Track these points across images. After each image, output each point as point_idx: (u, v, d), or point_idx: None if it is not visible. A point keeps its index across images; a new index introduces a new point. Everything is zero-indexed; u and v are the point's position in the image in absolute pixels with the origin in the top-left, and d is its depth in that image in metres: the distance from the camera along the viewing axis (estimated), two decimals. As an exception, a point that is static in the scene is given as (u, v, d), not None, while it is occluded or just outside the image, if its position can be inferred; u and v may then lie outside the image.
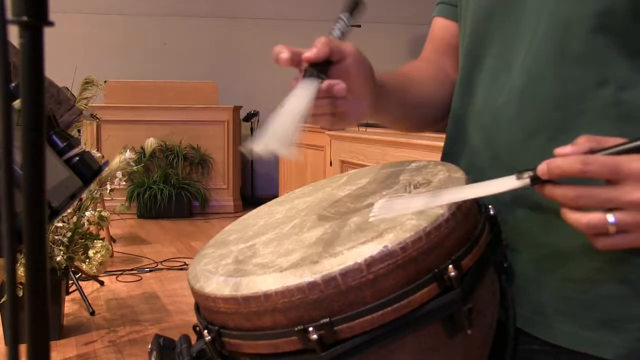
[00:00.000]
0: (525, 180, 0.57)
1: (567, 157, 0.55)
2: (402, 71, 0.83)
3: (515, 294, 0.71)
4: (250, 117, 6.93)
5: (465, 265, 0.58)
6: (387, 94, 0.73)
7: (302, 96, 0.61)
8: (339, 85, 0.63)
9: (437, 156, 0.85)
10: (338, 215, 0.66)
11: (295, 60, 0.63)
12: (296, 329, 0.54)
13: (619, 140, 0.56)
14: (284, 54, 0.63)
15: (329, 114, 0.65)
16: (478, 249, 0.61)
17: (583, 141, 0.56)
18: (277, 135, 0.56)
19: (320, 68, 0.63)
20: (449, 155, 0.82)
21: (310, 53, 0.63)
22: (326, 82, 0.63)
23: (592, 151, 0.55)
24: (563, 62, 0.67)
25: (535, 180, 0.57)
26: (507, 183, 0.58)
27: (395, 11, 7.31)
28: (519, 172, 0.58)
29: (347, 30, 0.72)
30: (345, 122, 0.68)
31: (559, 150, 0.57)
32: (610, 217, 0.54)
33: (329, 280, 0.54)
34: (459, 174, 0.67)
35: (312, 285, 0.54)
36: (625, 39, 0.65)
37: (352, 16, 0.73)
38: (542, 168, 0.56)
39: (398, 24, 7.28)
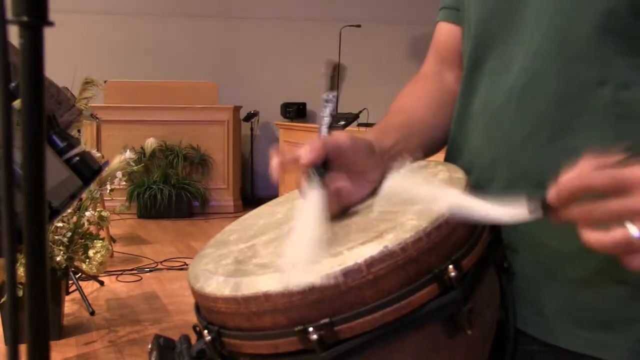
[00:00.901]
0: (537, 213, 0.55)
1: (571, 178, 0.54)
2: (400, 118, 0.81)
3: (515, 294, 0.71)
4: (250, 117, 6.93)
5: (465, 265, 0.58)
6: (390, 152, 0.73)
7: (312, 213, 0.60)
8: (341, 182, 0.65)
9: (437, 156, 0.85)
10: (338, 215, 0.66)
11: (288, 164, 0.64)
12: (296, 329, 0.54)
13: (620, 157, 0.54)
14: (274, 162, 0.63)
15: (338, 207, 0.67)
16: (478, 249, 0.61)
17: (585, 162, 0.55)
18: (305, 265, 0.55)
19: (321, 166, 0.64)
20: (450, 155, 0.82)
21: (307, 157, 0.63)
22: (333, 188, 0.64)
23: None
24: (563, 62, 0.67)
25: (547, 208, 0.55)
26: (518, 213, 0.56)
27: (395, 11, 7.31)
28: (527, 202, 0.55)
29: (334, 108, 0.74)
30: (353, 200, 0.68)
31: (564, 177, 0.55)
32: (634, 230, 0.52)
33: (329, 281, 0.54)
34: (459, 174, 0.67)
35: (312, 286, 0.54)
36: (626, 38, 0.65)
37: (336, 89, 0.75)
38: (552, 195, 0.54)
39: (398, 24, 7.28)
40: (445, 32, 0.88)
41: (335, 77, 0.76)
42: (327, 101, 0.74)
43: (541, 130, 0.68)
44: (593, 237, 0.53)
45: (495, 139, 0.73)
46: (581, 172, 0.54)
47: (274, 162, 0.63)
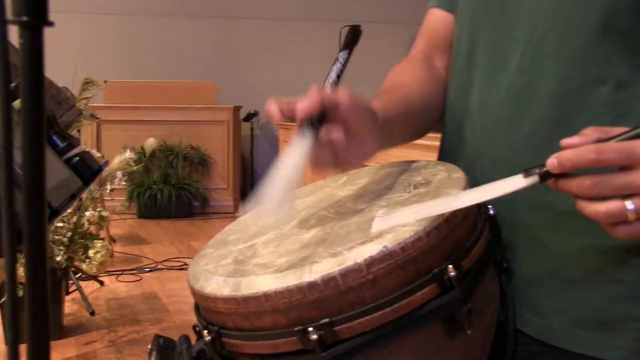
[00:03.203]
0: (533, 178, 0.55)
1: (577, 148, 0.53)
2: (400, 92, 0.80)
3: (514, 294, 0.71)
4: (250, 117, 6.93)
5: (465, 265, 0.58)
6: (392, 125, 0.72)
7: (295, 156, 0.60)
8: (335, 133, 0.62)
9: (437, 156, 0.85)
10: (338, 216, 0.66)
11: (286, 113, 0.63)
12: (296, 329, 0.54)
13: (625, 129, 0.54)
14: (273, 109, 0.62)
15: (330, 161, 0.65)
16: (478, 249, 0.61)
17: (590, 132, 0.55)
18: (273, 203, 0.58)
19: (316, 119, 0.62)
20: (448, 155, 0.82)
21: (302, 108, 0.61)
22: (323, 132, 0.62)
23: (600, 140, 0.54)
24: (563, 61, 0.67)
25: (545, 176, 0.54)
26: (515, 183, 0.56)
27: (395, 11, 7.31)
28: (525, 170, 0.56)
29: (344, 69, 0.73)
30: (350, 164, 0.66)
31: (567, 141, 0.55)
32: (629, 204, 0.52)
33: (328, 281, 0.54)
34: (459, 174, 0.67)
35: (311, 286, 0.54)
36: (626, 37, 0.65)
37: (350, 51, 0.74)
38: (552, 162, 0.54)
39: (398, 24, 7.28)
40: (438, 19, 0.87)
41: (351, 40, 0.75)
42: (337, 60, 0.74)
43: (541, 129, 0.68)
44: (589, 207, 0.54)
45: (495, 138, 0.73)
46: (584, 141, 0.53)
47: (273, 108, 0.62)
